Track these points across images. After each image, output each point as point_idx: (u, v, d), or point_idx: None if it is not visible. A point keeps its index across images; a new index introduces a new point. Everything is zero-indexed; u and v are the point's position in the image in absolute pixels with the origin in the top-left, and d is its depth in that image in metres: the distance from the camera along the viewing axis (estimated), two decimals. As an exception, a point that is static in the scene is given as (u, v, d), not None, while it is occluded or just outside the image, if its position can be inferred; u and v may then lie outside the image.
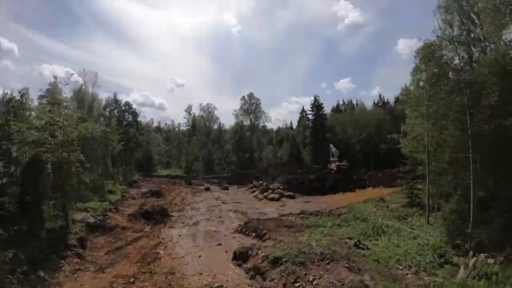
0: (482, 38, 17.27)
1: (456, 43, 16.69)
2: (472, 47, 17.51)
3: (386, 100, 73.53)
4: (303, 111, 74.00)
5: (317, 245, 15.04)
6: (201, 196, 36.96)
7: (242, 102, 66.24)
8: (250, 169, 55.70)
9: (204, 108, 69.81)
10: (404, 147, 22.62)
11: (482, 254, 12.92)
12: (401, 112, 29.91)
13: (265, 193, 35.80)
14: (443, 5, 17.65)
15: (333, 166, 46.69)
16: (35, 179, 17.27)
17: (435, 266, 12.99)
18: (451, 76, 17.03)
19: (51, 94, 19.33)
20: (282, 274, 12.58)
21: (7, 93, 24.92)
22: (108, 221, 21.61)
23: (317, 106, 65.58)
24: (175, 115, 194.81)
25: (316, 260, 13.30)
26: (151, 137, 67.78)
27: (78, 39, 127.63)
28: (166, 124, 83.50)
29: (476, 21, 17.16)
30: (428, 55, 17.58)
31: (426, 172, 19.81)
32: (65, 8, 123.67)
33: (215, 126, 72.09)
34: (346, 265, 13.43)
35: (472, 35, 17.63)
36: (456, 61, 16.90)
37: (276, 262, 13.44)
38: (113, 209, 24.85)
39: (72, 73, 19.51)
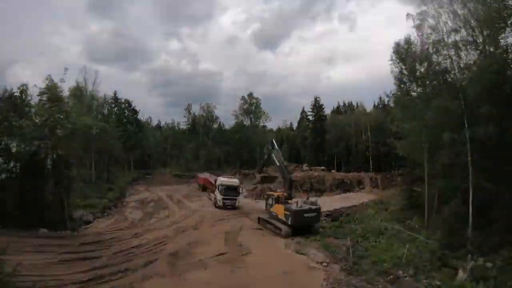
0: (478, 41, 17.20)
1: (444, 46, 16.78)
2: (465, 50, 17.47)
3: (386, 102, 73.53)
4: (303, 111, 74.05)
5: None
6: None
7: (242, 102, 66.18)
8: (250, 169, 55.70)
9: (204, 107, 70.07)
10: (399, 149, 22.62)
11: (480, 258, 12.95)
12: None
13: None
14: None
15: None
16: (34, 176, 17.27)
17: (433, 269, 13.00)
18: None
19: (50, 91, 19.18)
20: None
21: (7, 89, 24.77)
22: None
23: (317, 107, 65.61)
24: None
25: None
26: (150, 135, 67.75)
27: None
28: (166, 122, 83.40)
29: (473, 24, 17.08)
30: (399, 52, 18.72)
31: (424, 174, 19.85)
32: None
33: (215, 126, 72.20)
34: (344, 266, 13.47)
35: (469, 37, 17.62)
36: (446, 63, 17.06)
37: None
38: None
39: (67, 68, 19.30)
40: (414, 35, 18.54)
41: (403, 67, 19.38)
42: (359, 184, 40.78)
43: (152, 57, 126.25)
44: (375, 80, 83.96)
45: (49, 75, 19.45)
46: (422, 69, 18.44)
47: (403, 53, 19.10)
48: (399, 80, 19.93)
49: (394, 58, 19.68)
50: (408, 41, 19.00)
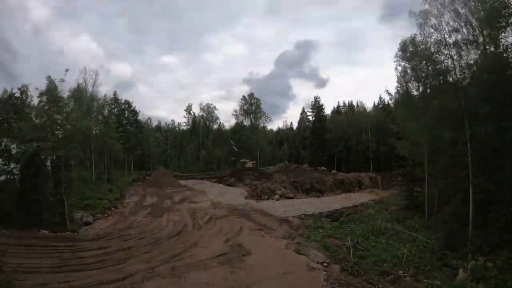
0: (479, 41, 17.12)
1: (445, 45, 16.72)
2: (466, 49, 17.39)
3: (386, 102, 73.60)
4: (303, 112, 74.22)
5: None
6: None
7: (242, 102, 66.29)
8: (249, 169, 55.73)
9: (204, 108, 70.32)
10: (400, 149, 22.68)
11: (481, 258, 12.93)
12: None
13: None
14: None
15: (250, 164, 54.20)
16: (34, 176, 17.28)
17: (433, 269, 12.99)
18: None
19: (50, 92, 19.15)
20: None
21: (7, 90, 24.86)
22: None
23: (317, 107, 65.75)
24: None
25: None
26: (150, 136, 67.79)
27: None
28: (166, 123, 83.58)
29: (474, 23, 16.99)
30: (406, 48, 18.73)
31: (425, 174, 19.85)
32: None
33: (215, 126, 72.41)
34: (345, 266, 13.45)
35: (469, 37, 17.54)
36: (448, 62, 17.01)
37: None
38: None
39: (67, 69, 19.19)
40: (419, 35, 18.54)
41: (407, 66, 19.37)
42: (359, 184, 40.81)
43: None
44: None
45: (49, 76, 19.44)
46: (425, 69, 18.42)
47: (409, 52, 19.05)
48: (402, 79, 19.95)
49: (398, 55, 19.68)
50: (413, 40, 18.95)
